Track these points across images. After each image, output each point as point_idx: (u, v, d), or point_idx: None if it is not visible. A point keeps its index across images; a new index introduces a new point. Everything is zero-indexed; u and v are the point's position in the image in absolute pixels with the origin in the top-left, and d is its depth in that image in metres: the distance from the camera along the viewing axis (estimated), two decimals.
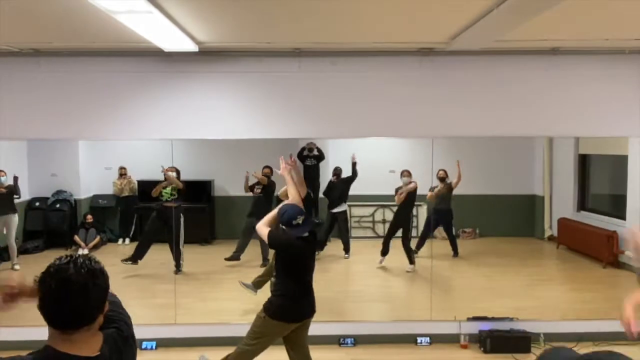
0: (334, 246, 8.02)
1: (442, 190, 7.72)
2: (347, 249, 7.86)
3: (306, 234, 3.54)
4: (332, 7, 3.40)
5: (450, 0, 3.24)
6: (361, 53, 4.92)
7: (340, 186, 7.87)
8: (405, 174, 7.48)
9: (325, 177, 8.26)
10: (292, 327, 3.61)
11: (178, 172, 7.23)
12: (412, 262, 7.21)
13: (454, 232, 8.00)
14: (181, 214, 7.10)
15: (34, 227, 8.32)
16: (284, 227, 3.52)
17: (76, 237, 8.18)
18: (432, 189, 7.79)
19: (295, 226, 3.46)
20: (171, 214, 6.93)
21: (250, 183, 7.40)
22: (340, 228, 7.88)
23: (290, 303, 3.58)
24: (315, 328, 5.20)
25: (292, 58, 4.94)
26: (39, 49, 4.80)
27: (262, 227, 3.59)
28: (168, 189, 7.19)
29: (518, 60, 5.00)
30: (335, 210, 7.83)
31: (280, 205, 3.67)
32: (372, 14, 3.54)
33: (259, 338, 3.61)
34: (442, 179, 7.69)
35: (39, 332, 5.13)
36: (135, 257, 7.03)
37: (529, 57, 4.98)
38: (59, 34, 4.20)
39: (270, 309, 3.57)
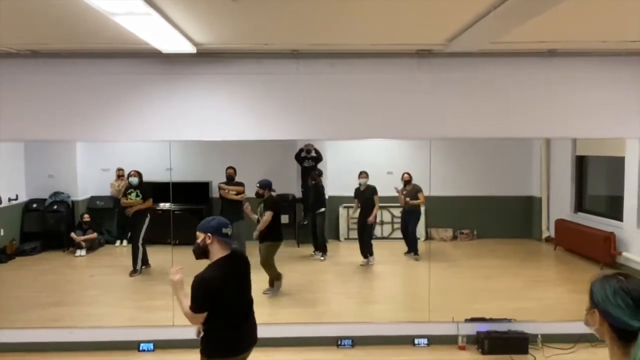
0: (340, 247, 8.03)
1: (408, 192, 7.84)
2: (324, 250, 7.85)
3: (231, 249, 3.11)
4: (330, 9, 3.41)
5: (447, 2, 3.25)
6: (359, 55, 4.93)
7: (319, 189, 7.90)
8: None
9: (323, 178, 8.26)
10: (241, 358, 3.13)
11: (140, 175, 7.31)
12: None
13: (416, 233, 8.10)
14: (147, 216, 7.21)
15: (31, 229, 8.31)
16: (211, 234, 3.03)
17: (73, 235, 8.16)
18: (401, 191, 7.92)
19: (224, 235, 3.05)
20: (134, 216, 7.15)
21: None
22: (318, 229, 7.89)
23: (233, 336, 3.08)
24: (313, 329, 5.23)
25: (290, 60, 4.95)
26: (37, 51, 4.79)
27: (187, 310, 3.02)
28: (132, 195, 7.22)
29: (515, 62, 5.01)
30: (316, 211, 7.86)
31: (203, 221, 3.12)
32: (370, 15, 3.55)
33: None
34: (408, 182, 7.84)
35: (38, 333, 5.09)
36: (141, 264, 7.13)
37: (526, 59, 5.00)
38: (57, 36, 4.20)
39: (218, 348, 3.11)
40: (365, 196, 7.50)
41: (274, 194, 6.54)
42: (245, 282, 3.19)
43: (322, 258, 7.70)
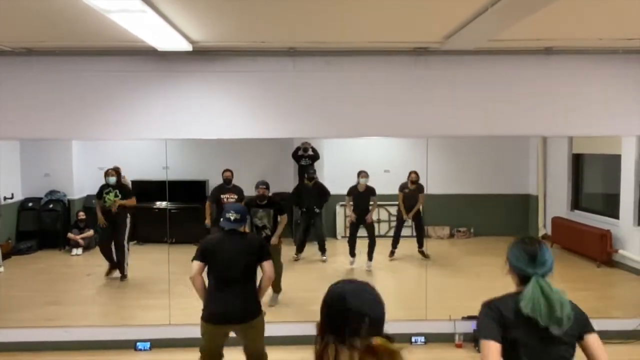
0: (337, 246, 8.02)
1: (411, 192, 7.72)
2: (324, 250, 7.73)
3: (231, 228, 3.65)
4: (327, 6, 3.40)
5: (444, 0, 3.24)
6: (356, 52, 4.92)
7: (316, 191, 7.66)
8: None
9: (320, 176, 8.24)
10: (220, 330, 3.60)
11: (119, 174, 7.07)
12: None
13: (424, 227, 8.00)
14: (128, 216, 6.97)
15: (27, 228, 8.27)
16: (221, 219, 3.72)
17: (70, 234, 8.13)
18: (402, 189, 7.79)
19: (227, 219, 3.65)
20: (115, 216, 6.84)
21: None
22: (317, 229, 7.71)
23: (212, 303, 3.58)
24: (308, 328, 5.20)
25: (287, 57, 4.94)
26: (32, 48, 4.77)
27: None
28: (111, 195, 6.88)
29: (512, 60, 5.01)
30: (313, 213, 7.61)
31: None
32: (367, 13, 3.54)
33: (202, 339, 3.68)
34: (414, 182, 7.63)
35: (34, 332, 5.07)
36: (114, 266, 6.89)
37: (523, 57, 5.00)
38: (51, 33, 4.18)
39: (203, 312, 3.65)
40: (363, 196, 7.32)
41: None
42: (238, 257, 3.56)
43: (324, 257, 7.66)
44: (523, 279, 2.05)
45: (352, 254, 7.30)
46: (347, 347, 1.39)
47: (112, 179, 6.91)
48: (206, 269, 3.66)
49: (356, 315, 1.42)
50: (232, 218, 3.63)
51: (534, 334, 1.97)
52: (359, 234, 7.38)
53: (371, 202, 7.33)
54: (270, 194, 5.94)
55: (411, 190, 7.71)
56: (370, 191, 7.32)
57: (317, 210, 7.63)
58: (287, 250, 7.57)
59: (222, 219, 3.70)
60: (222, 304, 3.55)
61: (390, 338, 1.44)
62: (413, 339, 5.11)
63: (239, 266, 3.56)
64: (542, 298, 1.94)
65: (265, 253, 3.65)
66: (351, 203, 7.42)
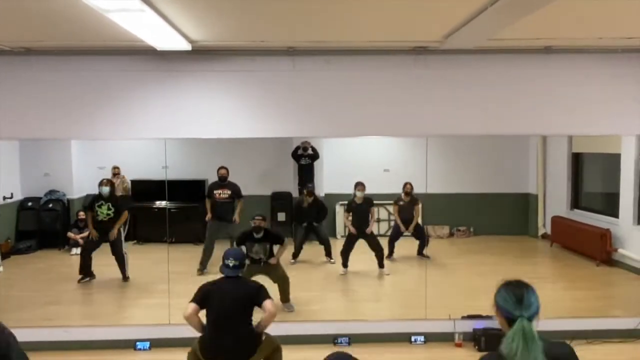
0: (338, 245, 8.01)
1: (406, 204, 7.67)
2: (330, 254, 7.70)
3: (230, 275, 3.75)
4: (326, 6, 3.39)
5: None
6: (355, 52, 4.91)
7: (315, 208, 7.62)
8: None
9: (319, 176, 8.25)
10: None
11: (113, 185, 7.01)
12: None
13: (425, 236, 7.95)
14: (121, 227, 6.90)
15: (26, 228, 8.27)
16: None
17: (70, 234, 8.13)
18: (396, 202, 7.75)
19: (226, 266, 3.77)
20: (108, 227, 6.73)
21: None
22: (320, 237, 7.67)
23: (207, 340, 3.72)
24: (310, 327, 5.22)
25: (287, 57, 4.93)
26: (30, 48, 4.76)
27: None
28: (104, 208, 6.74)
29: (512, 59, 5.01)
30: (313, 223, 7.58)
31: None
32: (366, 12, 3.54)
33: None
34: (408, 193, 7.59)
35: (34, 332, 5.06)
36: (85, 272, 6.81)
37: (523, 56, 4.99)
38: (50, 33, 4.17)
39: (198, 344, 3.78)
40: (362, 208, 7.14)
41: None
42: (237, 304, 3.67)
43: (332, 261, 7.64)
44: (509, 322, 2.04)
45: (345, 265, 7.17)
46: None
47: (106, 190, 6.76)
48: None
49: None
50: (230, 264, 3.75)
51: None
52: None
53: (370, 214, 7.18)
54: (266, 226, 5.85)
55: (405, 203, 7.67)
56: (368, 202, 7.16)
57: (315, 224, 7.60)
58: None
59: (221, 265, 3.81)
60: (218, 342, 3.66)
61: None
62: (413, 338, 5.11)
63: (236, 312, 3.68)
64: (521, 341, 1.92)
65: (264, 296, 3.70)
66: (350, 218, 7.27)
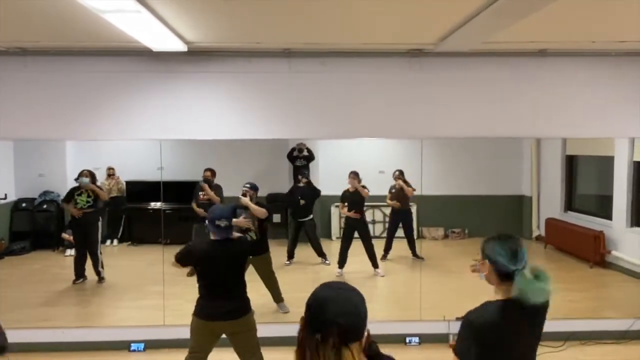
0: (332, 247, 8.01)
1: (398, 191, 7.68)
2: (324, 255, 7.66)
3: (223, 238, 3.60)
4: (322, 8, 3.41)
5: (439, 1, 3.25)
6: (351, 54, 4.93)
7: (309, 189, 7.58)
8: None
9: (315, 177, 8.25)
10: (209, 327, 3.63)
11: (93, 175, 6.99)
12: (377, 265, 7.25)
13: (414, 233, 7.94)
14: (99, 219, 6.92)
15: (20, 228, 8.23)
16: (207, 223, 3.61)
17: (64, 235, 8.10)
18: (391, 190, 7.78)
19: (217, 227, 3.55)
20: (86, 220, 6.76)
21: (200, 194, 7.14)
22: (311, 240, 7.61)
23: (203, 302, 3.64)
24: None
25: (282, 58, 4.94)
26: (26, 48, 4.75)
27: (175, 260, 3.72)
28: (83, 196, 6.78)
29: (506, 62, 5.04)
30: (304, 219, 7.49)
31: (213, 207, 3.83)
32: (362, 14, 3.55)
33: (191, 337, 3.71)
34: (399, 178, 7.64)
35: (28, 333, 5.04)
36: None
37: (517, 59, 5.02)
38: (46, 33, 4.16)
39: (195, 308, 3.71)
40: (354, 196, 7.19)
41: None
42: (227, 269, 3.58)
43: (327, 262, 7.63)
44: (503, 276, 2.10)
45: (342, 265, 7.17)
46: (319, 351, 1.44)
47: (85, 180, 6.79)
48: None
49: (327, 324, 1.46)
50: (222, 225, 3.55)
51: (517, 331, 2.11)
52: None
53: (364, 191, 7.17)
54: (255, 195, 5.68)
55: (397, 190, 7.70)
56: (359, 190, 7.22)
57: (308, 217, 7.54)
58: (280, 248, 7.59)
59: (210, 225, 3.58)
60: (215, 305, 3.61)
61: (371, 345, 1.46)
62: (407, 340, 5.12)
63: (230, 276, 3.63)
64: (529, 284, 2.03)
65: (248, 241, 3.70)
66: (346, 204, 7.34)
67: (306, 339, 1.49)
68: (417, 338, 5.14)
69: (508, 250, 2.09)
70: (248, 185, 5.67)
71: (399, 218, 7.84)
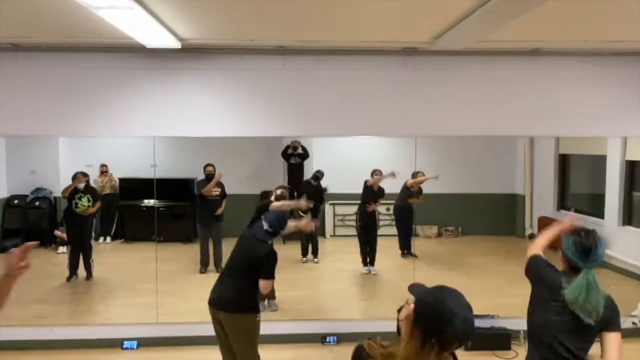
0: (326, 244, 8.02)
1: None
2: (316, 253, 7.75)
3: (261, 238, 3.73)
4: (316, 5, 3.40)
5: (433, 1, 3.26)
6: (345, 52, 4.92)
7: (320, 192, 7.70)
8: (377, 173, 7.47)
9: (309, 175, 8.24)
10: (212, 312, 3.70)
11: (87, 176, 7.04)
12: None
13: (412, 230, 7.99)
14: (94, 218, 7.07)
15: (12, 225, 8.18)
16: (263, 217, 3.79)
17: (57, 232, 8.06)
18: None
19: (260, 226, 3.74)
20: (86, 220, 6.88)
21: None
22: (312, 235, 7.63)
23: (214, 285, 3.81)
24: (298, 326, 5.23)
25: (277, 56, 4.93)
26: (18, 44, 4.71)
27: None
28: (84, 200, 6.83)
29: (500, 60, 5.05)
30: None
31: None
32: (356, 12, 3.55)
33: None
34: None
35: (20, 331, 5.00)
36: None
37: (511, 58, 5.04)
38: (38, 29, 4.13)
39: None
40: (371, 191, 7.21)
41: None
42: (240, 258, 3.74)
43: (316, 260, 7.65)
44: (572, 269, 2.25)
45: (365, 263, 7.24)
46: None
47: (82, 185, 6.86)
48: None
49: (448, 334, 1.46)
50: (264, 227, 3.72)
51: (566, 313, 2.24)
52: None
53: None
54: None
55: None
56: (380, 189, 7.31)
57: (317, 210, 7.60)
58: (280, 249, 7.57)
59: (255, 217, 3.82)
60: (218, 288, 3.74)
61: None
62: None
63: (240, 267, 3.70)
64: (584, 292, 2.13)
65: (266, 270, 3.64)
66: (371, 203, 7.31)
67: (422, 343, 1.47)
68: None
69: (580, 248, 2.23)
70: (282, 188, 5.59)
71: (405, 215, 7.83)
